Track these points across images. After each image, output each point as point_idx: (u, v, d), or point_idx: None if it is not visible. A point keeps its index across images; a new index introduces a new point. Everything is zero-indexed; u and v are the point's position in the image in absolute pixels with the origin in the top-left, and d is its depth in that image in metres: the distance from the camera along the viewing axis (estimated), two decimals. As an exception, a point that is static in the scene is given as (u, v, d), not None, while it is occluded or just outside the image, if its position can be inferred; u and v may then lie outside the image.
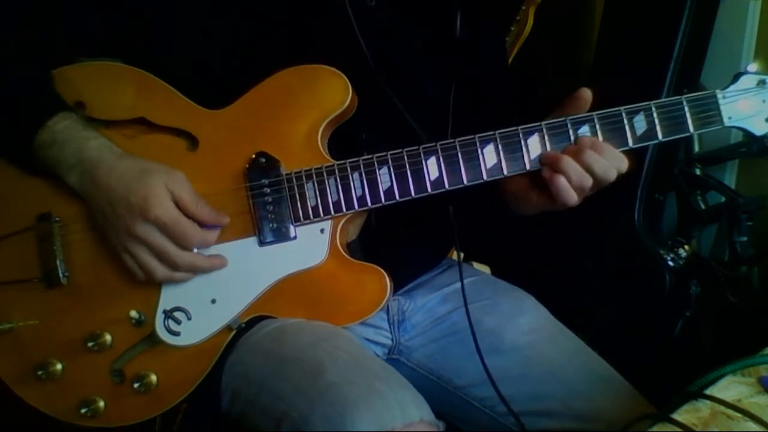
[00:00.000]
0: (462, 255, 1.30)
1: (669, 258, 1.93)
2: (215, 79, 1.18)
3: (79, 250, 1.16)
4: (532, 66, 2.02)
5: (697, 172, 1.98)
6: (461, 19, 1.24)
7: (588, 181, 1.10)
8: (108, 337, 1.15)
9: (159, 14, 1.18)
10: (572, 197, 1.11)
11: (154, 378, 1.14)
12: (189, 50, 1.18)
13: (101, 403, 1.15)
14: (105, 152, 1.11)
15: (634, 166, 1.14)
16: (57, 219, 1.16)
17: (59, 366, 1.16)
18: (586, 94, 1.13)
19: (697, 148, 1.99)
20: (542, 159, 1.12)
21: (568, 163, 1.10)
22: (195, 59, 1.18)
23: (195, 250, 1.13)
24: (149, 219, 1.07)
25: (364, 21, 1.18)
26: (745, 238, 1.86)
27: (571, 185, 1.10)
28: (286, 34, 1.19)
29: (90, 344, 1.14)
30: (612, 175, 1.11)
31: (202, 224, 1.11)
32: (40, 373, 1.15)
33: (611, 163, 1.11)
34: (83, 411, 1.15)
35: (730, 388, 0.94)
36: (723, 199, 1.95)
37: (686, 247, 1.96)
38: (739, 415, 0.88)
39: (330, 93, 1.15)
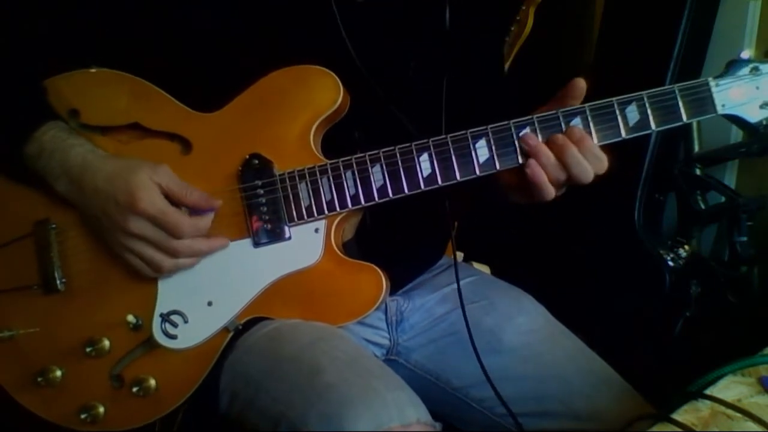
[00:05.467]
0: (462, 255, 1.29)
1: (669, 258, 1.93)
2: (207, 81, 1.18)
3: (75, 256, 1.16)
4: (531, 66, 2.01)
5: (697, 172, 1.98)
6: (451, 14, 1.23)
7: (563, 177, 1.09)
8: (106, 343, 1.15)
9: (149, 18, 1.17)
10: (549, 192, 1.10)
11: (152, 382, 1.14)
12: (180, 53, 1.18)
13: (101, 409, 1.15)
14: (89, 157, 1.11)
15: (614, 168, 1.11)
16: (54, 226, 1.16)
17: (59, 372, 1.16)
18: (581, 83, 1.11)
19: (697, 148, 1.99)
20: (522, 146, 1.10)
21: (548, 159, 1.08)
22: (186, 62, 1.18)
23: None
24: (139, 213, 1.07)
25: (352, 20, 1.17)
26: (745, 238, 1.87)
27: (549, 180, 1.09)
28: (275, 35, 1.18)
29: (88, 350, 1.14)
30: (588, 178, 1.09)
31: (195, 210, 1.11)
32: (39, 379, 1.15)
33: (591, 164, 1.08)
34: (83, 416, 1.15)
35: (730, 388, 0.94)
36: (723, 199, 1.96)
37: (686, 247, 1.96)
38: (739, 415, 0.88)
39: (321, 92, 1.14)
